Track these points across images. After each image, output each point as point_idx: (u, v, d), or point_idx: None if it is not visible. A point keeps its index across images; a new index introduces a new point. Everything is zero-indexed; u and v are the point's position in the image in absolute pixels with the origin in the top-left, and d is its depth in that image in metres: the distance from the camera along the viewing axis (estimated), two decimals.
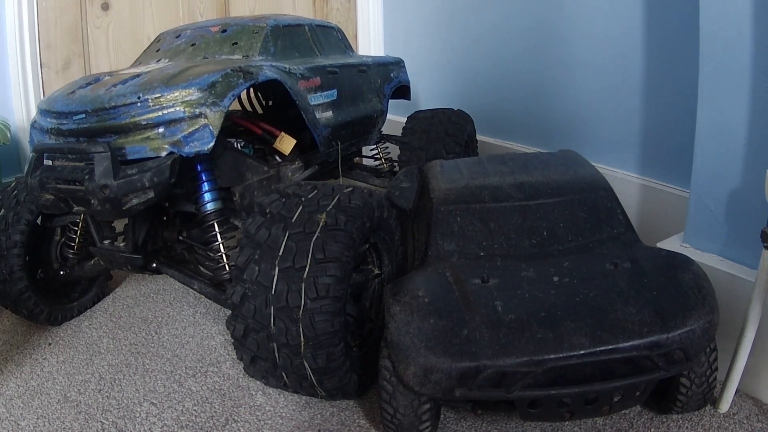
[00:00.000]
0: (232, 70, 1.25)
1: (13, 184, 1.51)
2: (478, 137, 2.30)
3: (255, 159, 1.50)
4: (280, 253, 1.06)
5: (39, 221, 1.51)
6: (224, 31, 1.62)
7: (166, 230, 1.49)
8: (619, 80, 1.77)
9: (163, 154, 1.16)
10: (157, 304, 1.70)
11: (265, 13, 2.57)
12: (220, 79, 1.21)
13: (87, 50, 2.41)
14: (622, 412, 1.13)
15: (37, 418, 1.21)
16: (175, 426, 1.18)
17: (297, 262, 1.04)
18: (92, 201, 1.15)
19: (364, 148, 2.20)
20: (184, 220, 1.50)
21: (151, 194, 1.16)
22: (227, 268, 1.30)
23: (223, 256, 1.32)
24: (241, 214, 1.42)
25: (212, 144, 1.17)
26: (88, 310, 1.66)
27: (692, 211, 1.29)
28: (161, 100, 1.16)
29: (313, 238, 1.06)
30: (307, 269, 1.04)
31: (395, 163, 2.18)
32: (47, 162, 1.24)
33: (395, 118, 2.41)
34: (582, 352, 0.90)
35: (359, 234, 1.12)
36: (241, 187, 1.45)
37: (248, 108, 2.02)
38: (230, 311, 1.11)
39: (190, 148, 1.16)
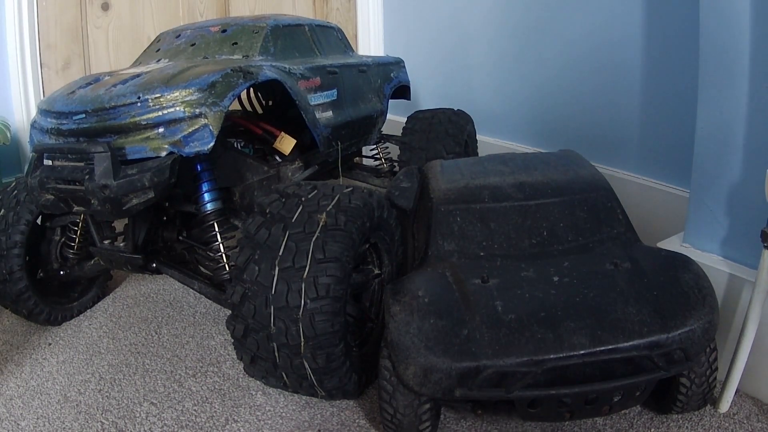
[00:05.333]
0: (232, 70, 1.25)
1: (13, 184, 1.51)
2: (478, 137, 2.30)
3: (255, 159, 1.50)
4: (280, 253, 1.06)
5: (39, 221, 1.51)
6: (224, 31, 1.62)
7: (166, 230, 1.49)
8: (619, 80, 1.77)
9: (163, 154, 1.16)
10: (157, 304, 1.70)
11: (265, 13, 2.57)
12: (220, 79, 1.21)
13: (87, 50, 2.41)
14: (622, 412, 1.13)
15: (37, 418, 1.21)
16: (175, 426, 1.18)
17: (297, 262, 1.04)
18: (92, 201, 1.15)
19: (364, 148, 2.20)
20: (184, 220, 1.50)
21: (151, 194, 1.16)
22: (227, 268, 1.30)
23: (223, 256, 1.32)
24: (241, 214, 1.42)
25: (212, 144, 1.17)
26: (88, 310, 1.66)
27: (692, 211, 1.29)
28: (161, 100, 1.16)
29: (313, 238, 1.06)
30: (307, 269, 1.04)
31: (395, 163, 2.18)
32: (47, 162, 1.24)
33: (395, 118, 2.41)
34: (582, 352, 0.90)
35: (359, 234, 1.12)
36: (241, 187, 1.45)
37: (248, 108, 2.02)
38: (230, 311, 1.11)
39: (190, 148, 1.16)
